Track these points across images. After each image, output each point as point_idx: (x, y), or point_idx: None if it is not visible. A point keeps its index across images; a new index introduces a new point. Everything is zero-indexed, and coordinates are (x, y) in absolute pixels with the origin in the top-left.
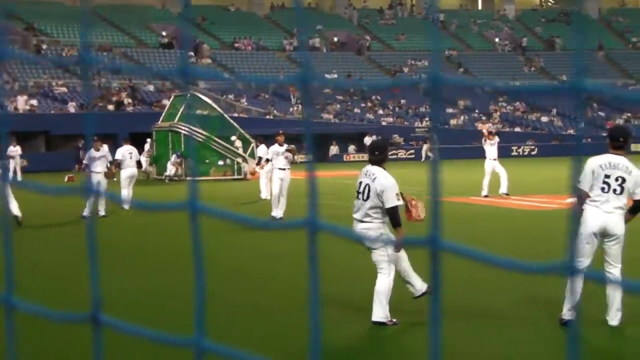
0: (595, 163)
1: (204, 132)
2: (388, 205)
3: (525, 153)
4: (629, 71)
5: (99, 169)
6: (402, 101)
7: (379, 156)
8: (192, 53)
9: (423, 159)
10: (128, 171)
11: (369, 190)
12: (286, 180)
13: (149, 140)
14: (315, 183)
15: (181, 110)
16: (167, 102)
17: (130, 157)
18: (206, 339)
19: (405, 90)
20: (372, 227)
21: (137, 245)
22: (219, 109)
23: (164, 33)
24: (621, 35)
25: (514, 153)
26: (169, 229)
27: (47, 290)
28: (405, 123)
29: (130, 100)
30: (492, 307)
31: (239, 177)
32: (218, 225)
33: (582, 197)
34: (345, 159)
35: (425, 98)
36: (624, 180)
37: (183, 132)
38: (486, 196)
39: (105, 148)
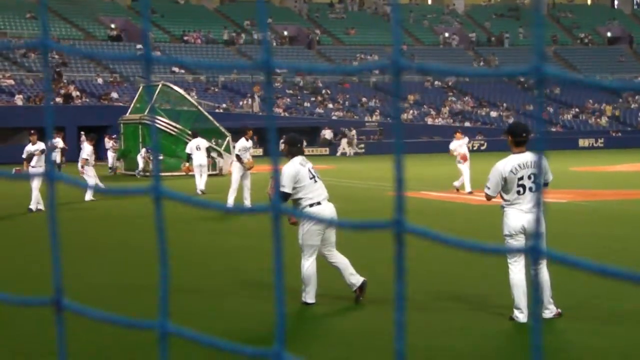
0: (504, 169)
1: (178, 125)
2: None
3: (475, 148)
4: (577, 67)
5: (34, 162)
6: (350, 95)
7: (302, 147)
8: (140, 45)
9: (339, 153)
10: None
11: (316, 171)
12: (247, 174)
13: (105, 137)
14: (278, 173)
15: (152, 101)
16: (115, 95)
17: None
18: (170, 323)
19: (355, 85)
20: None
21: (98, 239)
22: (193, 101)
23: (112, 25)
24: (569, 30)
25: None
26: (131, 222)
27: (4, 282)
28: (355, 117)
29: (78, 93)
30: (442, 297)
31: (214, 172)
32: (180, 216)
33: (489, 199)
34: (348, 152)
35: (376, 92)
36: (536, 176)
37: (155, 124)
38: (470, 192)
39: (58, 140)
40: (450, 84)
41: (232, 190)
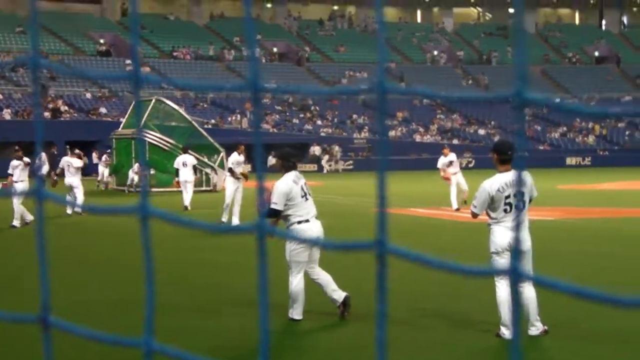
0: (491, 188)
1: (170, 141)
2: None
3: (463, 165)
4: (565, 86)
5: (16, 177)
6: (338, 112)
7: (295, 162)
8: (129, 61)
9: (325, 170)
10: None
11: (308, 188)
12: (240, 189)
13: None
14: (264, 190)
15: (145, 116)
16: (104, 110)
17: (69, 167)
18: (155, 340)
19: (344, 102)
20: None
21: (87, 254)
22: (187, 117)
23: (102, 41)
24: (557, 49)
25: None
26: (120, 238)
27: None
28: (344, 134)
29: (67, 108)
30: (427, 314)
31: (208, 188)
32: (167, 232)
33: (475, 217)
34: (328, 168)
35: (365, 109)
36: (522, 194)
37: (148, 139)
38: (457, 209)
39: (42, 156)
40: (438, 101)
41: (225, 205)
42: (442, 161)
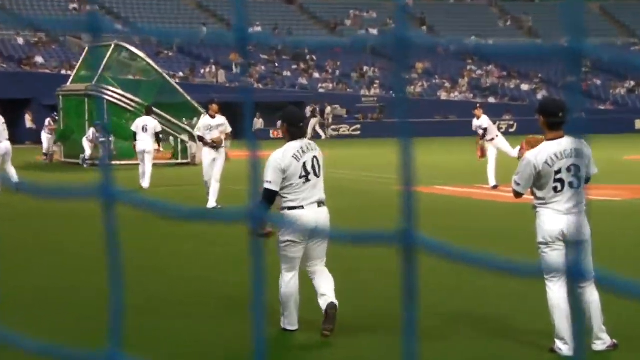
0: (537, 160)
1: (136, 99)
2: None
3: (502, 130)
4: (630, 26)
5: None
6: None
7: (304, 128)
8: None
9: (323, 137)
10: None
11: (319, 163)
12: (219, 162)
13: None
14: (257, 165)
15: (102, 66)
16: (40, 60)
17: (5, 129)
18: (121, 352)
19: (349, 49)
20: (327, 211)
21: (27, 240)
22: (155, 66)
23: None
24: None
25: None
26: (66, 221)
27: None
28: (349, 90)
29: None
30: (461, 320)
31: (185, 160)
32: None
33: (519, 197)
34: (272, 135)
35: (375, 59)
36: (578, 168)
37: (106, 97)
38: (495, 187)
39: None
40: (469, 48)
41: (205, 183)
42: (475, 124)
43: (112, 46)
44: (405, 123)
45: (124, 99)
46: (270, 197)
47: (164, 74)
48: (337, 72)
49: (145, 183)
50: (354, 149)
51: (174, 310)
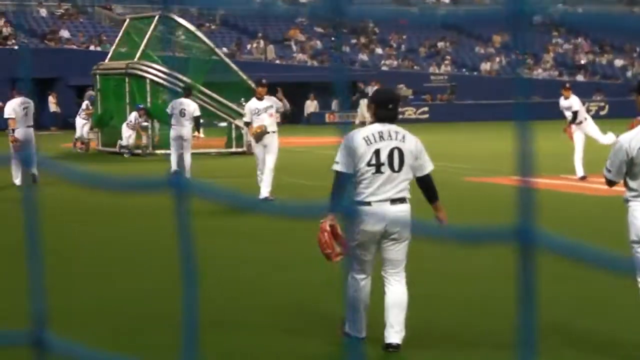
0: (631, 146)
1: (185, 78)
2: (427, 170)
3: (592, 112)
4: None
5: None
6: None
7: (394, 111)
8: None
9: (357, 121)
10: (22, 132)
11: (401, 156)
12: (272, 148)
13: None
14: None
15: (145, 41)
16: (66, 34)
17: (26, 114)
18: None
19: (414, 21)
20: (407, 209)
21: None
22: (208, 42)
23: None
24: None
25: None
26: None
27: None
28: (416, 67)
29: (11, 31)
30: (559, 329)
31: (240, 149)
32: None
33: (611, 185)
34: (327, 120)
35: (446, 31)
36: None
37: (149, 76)
38: (583, 177)
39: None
40: (555, 17)
41: (259, 172)
42: (562, 105)
43: (156, 18)
44: (522, 105)
45: (170, 79)
46: (339, 181)
47: (217, 50)
48: (403, 47)
49: (187, 174)
50: (421, 135)
51: (247, 322)
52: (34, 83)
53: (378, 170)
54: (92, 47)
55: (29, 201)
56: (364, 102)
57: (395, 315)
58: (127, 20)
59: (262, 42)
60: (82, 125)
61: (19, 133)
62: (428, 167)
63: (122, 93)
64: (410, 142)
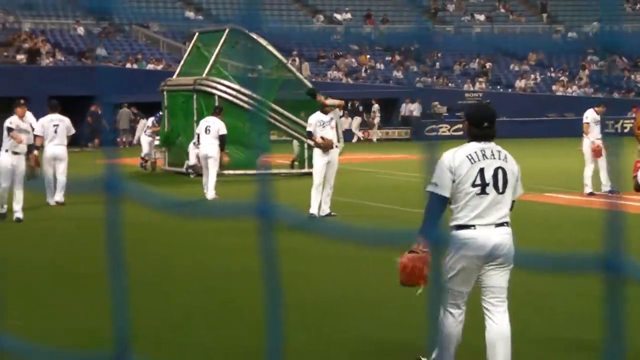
0: None
1: (255, 95)
2: (519, 194)
3: (627, 130)
4: None
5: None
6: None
7: (490, 129)
8: None
9: (354, 140)
10: (50, 150)
11: (505, 177)
12: (333, 164)
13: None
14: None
15: (214, 56)
16: (103, 52)
17: (55, 132)
18: None
19: (449, 39)
20: (510, 232)
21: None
22: (279, 56)
23: None
24: None
25: (610, 130)
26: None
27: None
28: (450, 85)
29: (49, 48)
30: None
31: (312, 170)
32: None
33: None
34: (361, 136)
35: (480, 48)
36: None
37: (218, 93)
38: (591, 194)
39: (28, 117)
40: (591, 34)
41: (313, 188)
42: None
43: (226, 32)
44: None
45: (240, 95)
46: (436, 204)
47: (289, 65)
48: (438, 65)
49: (210, 193)
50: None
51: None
52: (70, 101)
53: (483, 191)
54: (128, 65)
55: (112, 220)
56: (356, 120)
57: (501, 350)
58: (196, 34)
59: (297, 59)
60: (147, 142)
61: (49, 150)
62: (520, 192)
63: (190, 110)
64: (512, 163)
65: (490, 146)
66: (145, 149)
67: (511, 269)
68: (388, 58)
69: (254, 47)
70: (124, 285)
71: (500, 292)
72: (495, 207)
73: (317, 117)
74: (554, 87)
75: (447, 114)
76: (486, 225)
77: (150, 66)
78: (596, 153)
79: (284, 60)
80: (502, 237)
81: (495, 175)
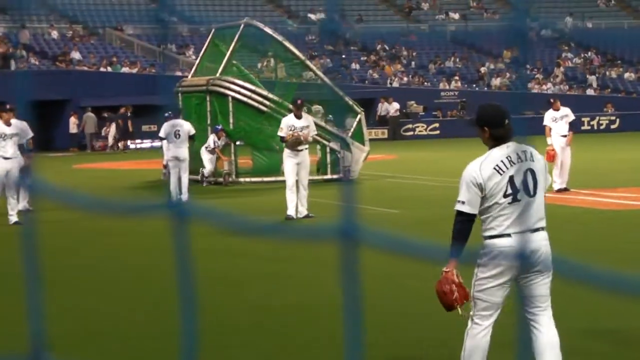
0: None
1: (271, 95)
2: (547, 184)
3: (602, 127)
4: None
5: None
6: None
7: (511, 125)
8: None
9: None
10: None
11: (534, 177)
12: (305, 165)
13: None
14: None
15: (228, 53)
16: (77, 56)
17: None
18: None
19: (426, 37)
20: (547, 237)
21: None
22: (298, 54)
23: None
24: None
25: (586, 127)
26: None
27: None
28: (426, 84)
29: (24, 53)
30: None
31: (335, 176)
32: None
33: None
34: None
35: (455, 47)
36: None
37: (232, 94)
38: (560, 190)
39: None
40: (566, 31)
41: (287, 189)
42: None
43: (241, 27)
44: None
45: (254, 96)
46: (466, 222)
47: (307, 62)
48: (413, 64)
49: (184, 196)
50: (434, 151)
51: None
52: (46, 105)
53: (515, 199)
54: (101, 69)
55: (28, 228)
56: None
57: (552, 359)
58: (213, 30)
59: (272, 60)
60: (209, 160)
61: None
62: (548, 182)
63: (204, 113)
64: (538, 159)
65: (514, 147)
66: (207, 166)
67: (551, 275)
68: (364, 58)
69: (270, 43)
70: (39, 288)
71: (544, 300)
72: (529, 211)
73: (288, 121)
74: (529, 85)
75: (423, 113)
76: (522, 233)
77: (125, 69)
78: (549, 158)
79: (302, 58)
80: (539, 244)
81: (525, 180)
